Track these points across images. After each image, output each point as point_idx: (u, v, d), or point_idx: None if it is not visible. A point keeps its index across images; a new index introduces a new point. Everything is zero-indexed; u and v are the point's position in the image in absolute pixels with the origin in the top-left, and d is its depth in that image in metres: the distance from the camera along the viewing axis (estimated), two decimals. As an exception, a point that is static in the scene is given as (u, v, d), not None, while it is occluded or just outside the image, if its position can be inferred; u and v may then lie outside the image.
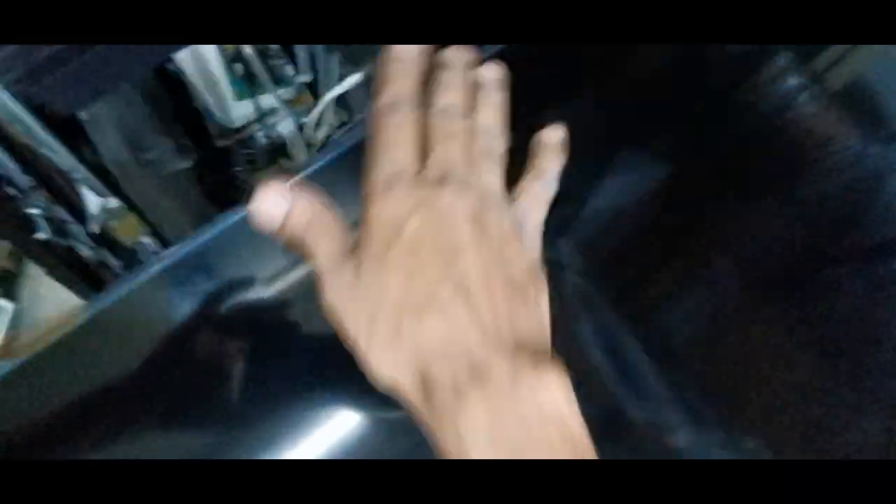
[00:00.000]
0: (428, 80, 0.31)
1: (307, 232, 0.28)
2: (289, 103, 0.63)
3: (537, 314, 0.28)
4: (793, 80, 0.36)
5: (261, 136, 0.65)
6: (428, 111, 0.30)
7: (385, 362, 0.26)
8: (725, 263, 0.33)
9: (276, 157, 0.69)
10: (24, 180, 0.75)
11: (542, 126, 0.35)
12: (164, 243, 0.72)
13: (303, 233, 0.28)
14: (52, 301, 1.36)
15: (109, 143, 0.52)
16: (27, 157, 0.71)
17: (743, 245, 0.33)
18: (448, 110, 0.30)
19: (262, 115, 0.62)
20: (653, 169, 0.32)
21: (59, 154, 0.57)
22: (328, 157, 0.33)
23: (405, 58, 0.30)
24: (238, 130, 0.64)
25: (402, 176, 0.27)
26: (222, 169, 0.65)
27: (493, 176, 0.30)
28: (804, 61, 0.36)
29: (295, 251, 0.29)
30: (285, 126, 0.65)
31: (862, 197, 0.35)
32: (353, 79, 0.59)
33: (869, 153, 0.35)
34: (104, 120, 0.52)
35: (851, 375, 0.32)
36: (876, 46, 0.37)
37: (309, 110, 0.62)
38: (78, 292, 1.16)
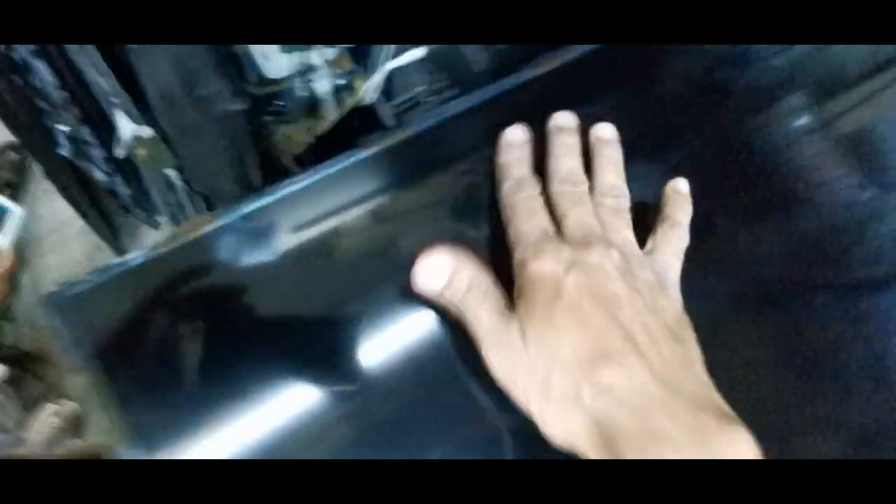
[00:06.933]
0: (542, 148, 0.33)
1: (466, 297, 0.28)
2: (330, 63, 0.65)
3: (697, 362, 0.28)
4: (805, 119, 0.39)
5: (297, 90, 0.67)
6: (551, 181, 0.31)
7: (560, 426, 0.26)
8: (719, 279, 0.34)
9: (305, 115, 0.71)
10: (58, 96, 0.77)
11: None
12: (186, 177, 0.74)
13: (461, 298, 0.29)
14: (49, 221, 1.37)
15: (159, 74, 0.55)
16: (67, 74, 0.73)
17: (737, 264, 0.35)
18: (569, 178, 0.31)
19: (304, 71, 0.64)
20: (660, 181, 0.34)
21: (104, 76, 0.59)
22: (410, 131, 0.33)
23: (518, 142, 0.32)
24: (276, 82, 0.67)
25: (549, 240, 0.29)
26: (253, 118, 0.67)
27: (627, 232, 0.31)
28: (818, 103, 0.39)
29: (453, 312, 0.29)
30: (322, 85, 0.68)
31: (852, 236, 0.37)
32: (416, 53, 0.61)
33: (863, 198, 0.37)
34: (157, 51, 0.54)
35: (815, 397, 0.34)
36: (889, 100, 0.40)
37: (348, 73, 0.65)
38: (82, 214, 1.17)
